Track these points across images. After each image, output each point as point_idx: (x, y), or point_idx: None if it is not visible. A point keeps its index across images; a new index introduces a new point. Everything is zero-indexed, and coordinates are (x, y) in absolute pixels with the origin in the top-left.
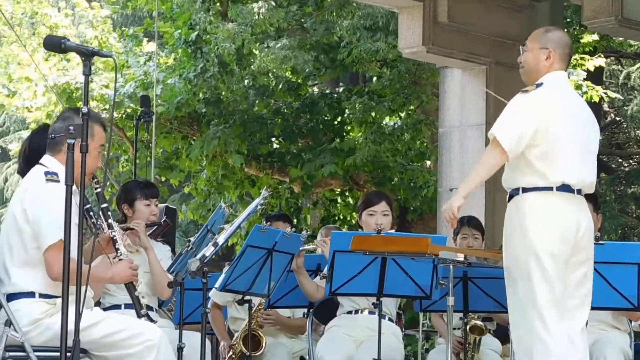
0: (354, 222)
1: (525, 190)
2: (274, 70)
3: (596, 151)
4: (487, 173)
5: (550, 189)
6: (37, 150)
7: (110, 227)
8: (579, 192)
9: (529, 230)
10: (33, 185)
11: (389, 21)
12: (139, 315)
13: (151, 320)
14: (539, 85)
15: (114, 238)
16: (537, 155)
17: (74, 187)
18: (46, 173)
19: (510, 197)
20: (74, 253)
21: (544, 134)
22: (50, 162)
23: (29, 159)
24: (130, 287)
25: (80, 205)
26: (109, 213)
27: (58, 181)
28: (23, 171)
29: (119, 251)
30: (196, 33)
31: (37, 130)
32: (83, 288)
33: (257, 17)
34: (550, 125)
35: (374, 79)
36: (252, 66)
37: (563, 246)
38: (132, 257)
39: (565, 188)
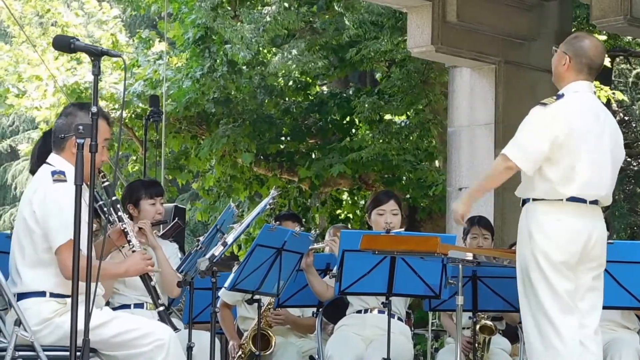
0: (356, 221)
1: (535, 200)
2: (284, 71)
3: (617, 164)
4: (491, 186)
5: (561, 200)
6: (50, 150)
7: (120, 219)
8: (594, 201)
9: (534, 237)
10: (41, 186)
11: (391, 19)
12: (157, 305)
13: (169, 314)
14: (559, 97)
15: (125, 230)
16: (551, 168)
17: (83, 185)
18: (53, 173)
19: (523, 203)
20: (84, 251)
21: (559, 147)
22: (57, 160)
23: (41, 158)
24: (146, 278)
25: (90, 203)
26: (119, 206)
27: (65, 181)
28: (35, 170)
29: (130, 243)
30: (202, 33)
31: (51, 130)
32: (93, 285)
33: (268, 19)
34: (566, 139)
35: (383, 78)
36: (267, 69)
37: (568, 255)
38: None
39: (576, 199)
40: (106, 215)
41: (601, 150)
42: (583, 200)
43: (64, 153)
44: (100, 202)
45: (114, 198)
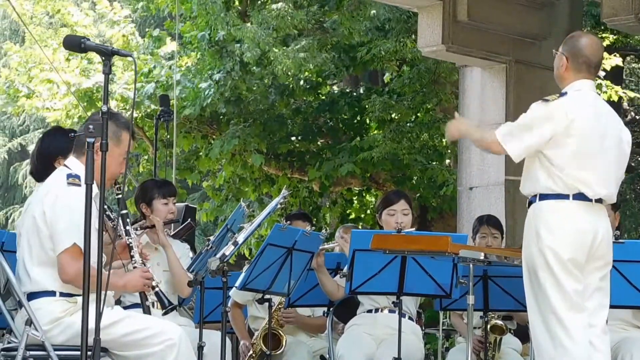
0: (367, 222)
1: (542, 197)
2: (293, 70)
3: (622, 162)
4: (479, 145)
5: (567, 196)
6: (49, 151)
7: (127, 234)
8: (599, 200)
9: (542, 236)
10: (54, 187)
11: (398, 23)
12: None
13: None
14: (562, 95)
15: (130, 245)
16: (555, 164)
17: (96, 190)
18: (68, 176)
19: (530, 203)
20: (93, 258)
21: (559, 143)
22: (74, 164)
23: (41, 160)
24: (142, 296)
25: (101, 206)
26: (128, 220)
27: (79, 185)
28: (37, 171)
29: (133, 259)
30: (223, 33)
31: (50, 131)
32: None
33: (277, 19)
34: (567, 136)
35: (392, 78)
36: (273, 69)
37: (576, 253)
38: (148, 264)
39: (581, 197)
40: (112, 222)
41: (604, 148)
42: (588, 199)
43: (83, 157)
44: (106, 207)
45: (124, 212)
